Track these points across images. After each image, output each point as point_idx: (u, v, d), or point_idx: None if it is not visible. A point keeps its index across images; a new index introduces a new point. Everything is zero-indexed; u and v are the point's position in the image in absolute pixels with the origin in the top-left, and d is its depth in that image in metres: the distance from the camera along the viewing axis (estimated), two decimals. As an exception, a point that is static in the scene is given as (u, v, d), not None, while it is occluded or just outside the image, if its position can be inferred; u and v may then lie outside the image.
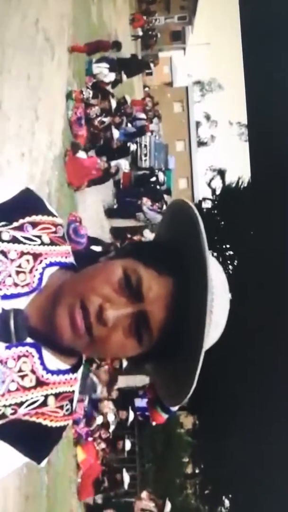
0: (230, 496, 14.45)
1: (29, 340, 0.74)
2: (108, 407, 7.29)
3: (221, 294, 0.74)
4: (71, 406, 0.79)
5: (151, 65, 15.70)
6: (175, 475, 10.59)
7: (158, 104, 15.89)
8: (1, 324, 0.72)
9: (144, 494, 8.00)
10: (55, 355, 0.76)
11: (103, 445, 7.04)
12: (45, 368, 0.75)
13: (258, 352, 11.94)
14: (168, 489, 10.00)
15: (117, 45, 9.29)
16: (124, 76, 10.56)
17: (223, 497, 14.47)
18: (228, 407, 12.21)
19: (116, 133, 9.56)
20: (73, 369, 0.79)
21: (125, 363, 7.89)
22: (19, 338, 0.73)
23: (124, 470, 7.25)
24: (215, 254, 13.98)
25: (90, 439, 6.93)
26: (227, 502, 14.70)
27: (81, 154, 7.68)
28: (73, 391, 0.79)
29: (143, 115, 13.15)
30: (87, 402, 6.91)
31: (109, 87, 9.34)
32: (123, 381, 8.87)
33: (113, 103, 9.10)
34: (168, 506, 7.96)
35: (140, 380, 8.73)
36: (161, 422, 7.18)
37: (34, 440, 0.75)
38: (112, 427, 7.29)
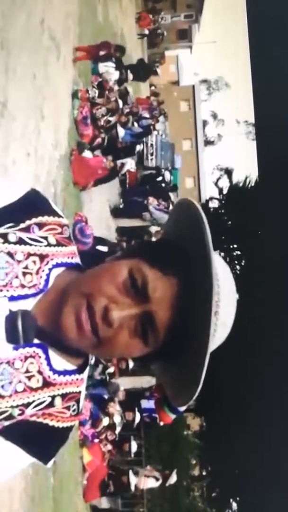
0: (237, 498, 14.38)
1: (36, 341, 0.75)
2: (114, 408, 7.27)
3: (227, 294, 0.74)
4: (78, 406, 0.80)
5: (158, 70, 15.69)
6: (182, 477, 10.55)
7: (164, 103, 15.78)
8: (8, 326, 0.73)
9: (148, 467, 8.00)
10: (61, 356, 0.77)
11: (109, 447, 7.02)
12: (52, 368, 0.75)
13: (266, 353, 11.87)
14: (175, 491, 9.98)
15: (120, 50, 9.08)
16: (130, 75, 10.52)
17: (231, 500, 14.40)
18: (235, 409, 12.16)
19: (121, 132, 9.51)
20: (80, 370, 0.80)
21: (131, 364, 7.87)
22: (26, 340, 0.73)
23: (130, 472, 7.22)
24: (222, 254, 13.91)
25: (96, 440, 6.91)
26: (234, 505, 14.63)
27: (87, 154, 7.65)
28: (80, 392, 0.80)
29: (147, 115, 13.11)
30: (93, 403, 6.89)
31: (113, 84, 9.26)
32: (130, 382, 8.84)
33: (120, 103, 9.03)
34: (174, 477, 7.92)
35: (147, 381, 8.71)
36: (169, 422, 7.14)
37: (41, 440, 0.76)
38: (118, 429, 7.27)
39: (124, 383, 8.40)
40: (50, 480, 5.52)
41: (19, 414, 0.72)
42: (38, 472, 5.06)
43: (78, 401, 0.79)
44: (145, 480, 7.68)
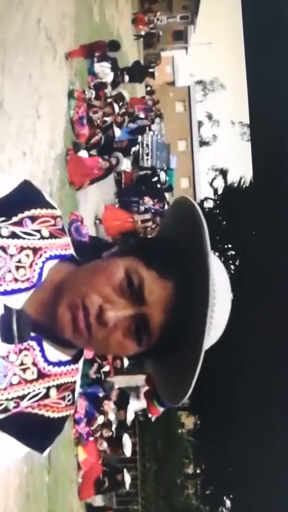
0: (231, 496, 14.44)
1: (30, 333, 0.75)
2: (109, 406, 7.29)
3: (222, 295, 0.73)
4: (73, 396, 0.80)
5: (154, 72, 15.67)
6: (176, 475, 10.59)
7: (159, 103, 15.76)
8: (3, 326, 0.72)
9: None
10: (55, 347, 0.77)
11: (105, 445, 7.04)
12: (46, 360, 0.75)
13: (260, 352, 11.92)
14: (169, 489, 10.00)
15: (113, 45, 8.81)
16: (126, 77, 10.52)
17: (224, 498, 14.45)
18: (229, 407, 12.20)
19: (117, 132, 9.53)
20: (74, 360, 0.80)
21: (126, 363, 7.89)
22: (21, 340, 0.73)
23: (125, 470, 7.24)
24: (216, 254, 13.92)
25: (91, 438, 6.92)
26: (228, 503, 14.69)
27: (83, 153, 7.67)
28: (75, 381, 0.80)
29: (143, 115, 13.13)
30: (88, 402, 6.91)
31: (108, 89, 9.25)
32: (125, 381, 8.86)
33: (116, 108, 9.01)
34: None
35: (142, 380, 8.71)
36: (157, 415, 7.22)
37: (36, 431, 0.76)
38: (114, 426, 7.29)
39: (119, 382, 8.42)
40: (45, 478, 5.51)
41: (15, 407, 0.72)
42: (33, 470, 5.06)
43: (73, 391, 0.80)
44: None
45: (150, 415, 7.17)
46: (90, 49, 8.28)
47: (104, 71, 9.30)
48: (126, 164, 11.64)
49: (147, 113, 13.54)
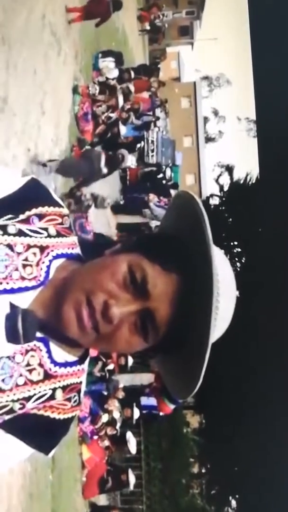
0: (237, 496, 14.43)
1: (37, 334, 0.74)
2: (114, 405, 7.27)
3: (227, 288, 0.73)
4: (79, 397, 0.80)
5: (159, 67, 15.55)
6: (181, 474, 10.59)
7: (165, 85, 15.37)
8: (8, 326, 0.72)
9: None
10: (62, 347, 0.77)
11: (107, 443, 7.03)
12: (53, 361, 0.75)
13: (265, 351, 11.87)
14: (174, 489, 10.00)
15: (116, 4, 8.40)
16: (132, 73, 10.44)
17: (230, 497, 14.44)
18: (235, 406, 12.17)
19: (123, 130, 9.46)
20: (80, 360, 0.79)
21: (130, 361, 7.87)
22: (27, 340, 0.72)
23: (130, 470, 7.23)
24: (222, 251, 13.88)
25: (95, 437, 6.92)
26: (234, 503, 14.68)
27: (88, 150, 7.62)
28: (81, 382, 0.80)
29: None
30: (92, 400, 6.89)
31: (114, 82, 9.16)
32: (129, 380, 8.84)
33: (120, 100, 8.91)
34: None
35: (147, 378, 8.70)
36: (168, 412, 7.18)
37: (42, 433, 0.76)
38: (118, 424, 7.28)
39: (124, 380, 8.40)
40: (49, 477, 5.52)
41: (20, 408, 0.72)
42: (36, 469, 5.06)
43: (79, 392, 0.79)
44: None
45: (161, 413, 7.12)
46: (92, 10, 7.96)
47: (108, 66, 9.22)
48: (131, 161, 11.58)
49: (153, 107, 13.38)
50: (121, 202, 11.79)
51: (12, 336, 0.72)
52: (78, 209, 6.36)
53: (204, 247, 0.69)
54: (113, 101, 8.65)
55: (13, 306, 0.73)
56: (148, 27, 20.21)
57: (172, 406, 6.95)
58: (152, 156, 14.73)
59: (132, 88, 9.74)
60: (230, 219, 14.98)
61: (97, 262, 0.77)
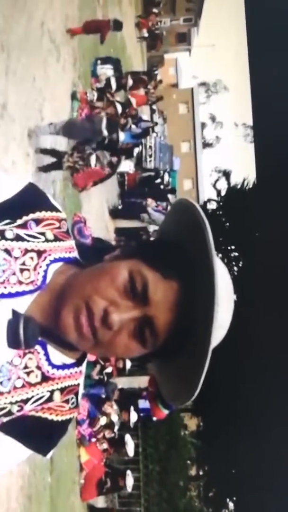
0: (234, 498, 14.39)
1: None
2: (111, 407, 7.29)
3: (225, 295, 0.73)
4: (77, 399, 0.80)
5: (157, 73, 15.60)
6: (179, 477, 10.56)
7: (162, 83, 15.38)
8: (10, 332, 0.72)
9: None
10: (60, 350, 0.77)
11: (105, 445, 7.03)
12: (50, 363, 0.75)
13: (263, 354, 11.89)
14: (172, 491, 9.98)
15: (117, 25, 8.58)
16: (130, 81, 10.51)
17: (228, 500, 14.41)
18: (233, 409, 12.17)
19: (122, 136, 9.53)
20: (78, 363, 0.80)
21: (128, 365, 7.89)
22: (28, 346, 0.73)
23: (128, 472, 7.23)
24: (220, 255, 13.94)
25: (93, 440, 6.92)
26: (231, 505, 14.64)
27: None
28: (78, 384, 0.80)
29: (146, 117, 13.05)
30: (91, 403, 6.91)
31: (113, 86, 9.22)
32: (127, 383, 8.86)
33: (119, 108, 9.00)
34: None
35: (144, 381, 8.71)
36: (162, 418, 7.15)
37: (40, 434, 0.76)
38: (116, 427, 7.29)
39: (122, 383, 8.42)
40: (47, 479, 5.51)
41: (18, 410, 0.72)
42: (35, 471, 5.06)
43: (76, 394, 0.80)
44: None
45: (154, 418, 7.11)
46: (94, 27, 8.13)
47: (107, 73, 9.30)
48: (129, 166, 11.65)
49: (146, 94, 13.23)
50: (119, 207, 11.83)
51: (13, 342, 0.72)
52: (85, 165, 6.52)
53: (206, 258, 0.69)
54: (111, 109, 8.74)
55: (15, 312, 0.73)
56: (146, 34, 20.37)
57: (166, 412, 6.93)
58: (150, 161, 14.82)
59: (133, 101, 9.83)
60: (228, 224, 15.03)
61: (97, 268, 0.76)
